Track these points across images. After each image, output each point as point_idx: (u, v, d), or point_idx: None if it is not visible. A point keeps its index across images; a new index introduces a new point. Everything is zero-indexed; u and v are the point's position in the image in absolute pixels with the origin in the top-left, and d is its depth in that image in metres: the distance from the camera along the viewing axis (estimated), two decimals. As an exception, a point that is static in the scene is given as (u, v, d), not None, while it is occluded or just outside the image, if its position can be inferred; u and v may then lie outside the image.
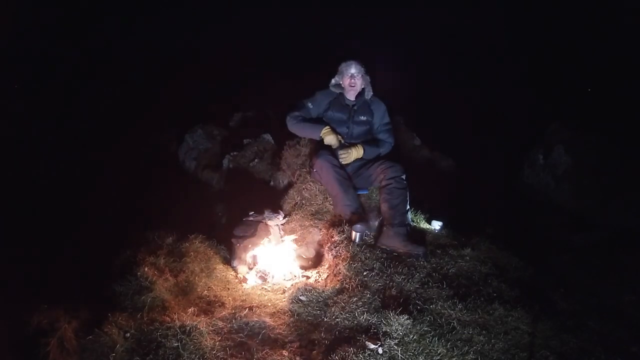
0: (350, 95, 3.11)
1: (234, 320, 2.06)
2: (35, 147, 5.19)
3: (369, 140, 3.12)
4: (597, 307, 2.32)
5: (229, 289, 2.47)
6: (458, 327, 1.96)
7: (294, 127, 3.09)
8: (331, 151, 2.94)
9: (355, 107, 3.11)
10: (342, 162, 2.93)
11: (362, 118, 3.11)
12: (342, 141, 2.99)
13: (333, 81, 3.12)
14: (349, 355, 1.76)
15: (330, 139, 2.94)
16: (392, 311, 2.01)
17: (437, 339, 1.86)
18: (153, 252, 2.44)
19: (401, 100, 5.57)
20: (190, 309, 2.04)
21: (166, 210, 3.60)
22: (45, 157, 5.00)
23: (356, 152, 2.96)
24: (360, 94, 3.14)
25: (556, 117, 4.99)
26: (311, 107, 3.10)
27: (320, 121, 3.08)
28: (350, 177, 2.95)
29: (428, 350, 1.81)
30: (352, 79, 3.04)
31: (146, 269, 2.22)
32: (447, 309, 2.08)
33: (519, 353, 1.86)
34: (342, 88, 3.11)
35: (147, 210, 3.56)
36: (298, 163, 3.47)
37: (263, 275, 2.65)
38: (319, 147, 3.03)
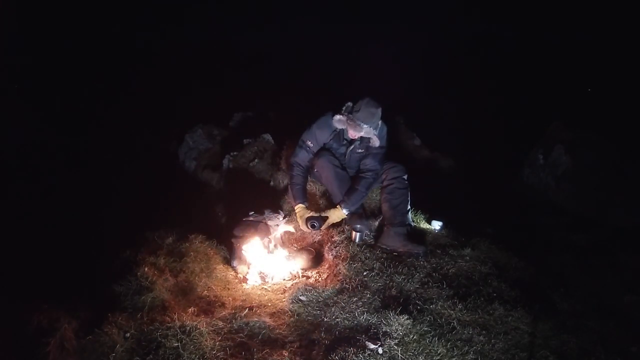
0: (352, 136, 2.90)
1: (234, 320, 2.06)
2: (34, 147, 5.19)
3: (353, 189, 2.85)
4: (597, 307, 2.32)
5: (229, 289, 2.47)
6: (458, 327, 1.96)
7: (289, 182, 3.04)
8: (331, 152, 2.93)
9: (357, 142, 2.93)
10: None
11: (360, 151, 2.95)
12: (315, 224, 2.74)
13: (337, 117, 2.80)
14: (349, 355, 1.76)
15: (301, 224, 2.83)
16: (392, 311, 2.01)
17: (437, 339, 1.86)
18: (153, 252, 2.44)
19: (401, 100, 5.57)
20: (190, 309, 2.05)
21: (166, 210, 3.59)
22: (43, 157, 5.00)
23: (336, 217, 2.81)
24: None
25: (556, 117, 4.98)
26: (312, 146, 2.93)
27: (302, 193, 2.93)
28: (350, 177, 2.94)
29: (428, 350, 1.81)
30: (357, 135, 2.84)
31: (146, 269, 2.21)
32: (447, 309, 2.09)
33: (519, 353, 1.86)
34: (345, 126, 2.84)
35: (147, 210, 3.55)
36: (298, 163, 3.47)
37: (263, 275, 2.65)
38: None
